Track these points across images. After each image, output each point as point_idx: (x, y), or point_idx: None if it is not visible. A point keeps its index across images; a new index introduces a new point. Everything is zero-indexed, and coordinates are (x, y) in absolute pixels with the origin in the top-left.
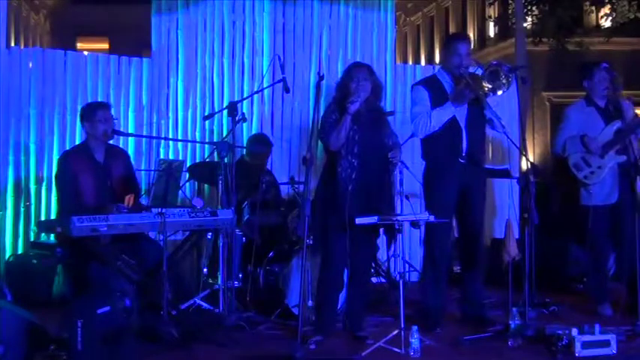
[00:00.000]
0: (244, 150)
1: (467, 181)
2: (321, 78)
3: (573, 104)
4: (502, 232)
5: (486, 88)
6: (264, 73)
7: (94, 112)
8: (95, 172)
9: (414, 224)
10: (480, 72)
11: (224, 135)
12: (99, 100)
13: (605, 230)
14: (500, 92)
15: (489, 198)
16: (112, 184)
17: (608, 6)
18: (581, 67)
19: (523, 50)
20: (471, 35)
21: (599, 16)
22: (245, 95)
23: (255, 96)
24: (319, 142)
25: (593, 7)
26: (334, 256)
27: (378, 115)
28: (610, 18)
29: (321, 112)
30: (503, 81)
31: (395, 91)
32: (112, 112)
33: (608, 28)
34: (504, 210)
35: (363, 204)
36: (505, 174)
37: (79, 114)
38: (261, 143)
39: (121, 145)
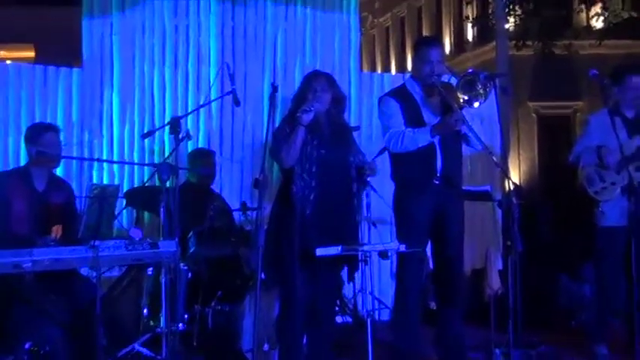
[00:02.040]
0: (187, 171)
1: (442, 204)
2: (275, 89)
3: (597, 111)
4: (483, 262)
5: (461, 100)
6: (211, 83)
7: (41, 135)
8: (31, 201)
9: (383, 255)
10: (454, 81)
11: (166, 155)
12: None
13: (615, 256)
14: (476, 104)
15: (468, 224)
16: (50, 217)
17: (600, 4)
18: (612, 71)
19: (505, 55)
20: (447, 39)
21: (590, 16)
22: (190, 109)
23: (202, 110)
24: (274, 163)
25: (583, 6)
26: (293, 292)
27: (341, 130)
28: (602, 18)
29: None
30: (480, 91)
31: (360, 103)
32: (61, 136)
33: (599, 29)
34: (485, 237)
35: (323, 231)
36: (485, 196)
37: (23, 135)
38: (205, 159)
39: None
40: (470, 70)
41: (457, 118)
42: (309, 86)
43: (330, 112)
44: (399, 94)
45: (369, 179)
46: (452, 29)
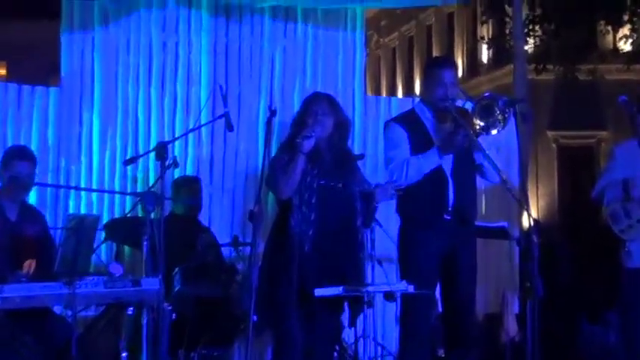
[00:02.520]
0: (172, 202)
1: (454, 242)
2: (272, 113)
3: (623, 142)
4: (498, 305)
5: (477, 127)
6: (201, 106)
7: (13, 162)
8: (1, 232)
9: (389, 296)
10: (469, 106)
11: (150, 184)
12: None
13: None
14: (494, 131)
15: (482, 264)
16: (22, 250)
17: (628, 26)
18: None
19: (523, 79)
20: (460, 60)
21: (617, 38)
22: (177, 134)
23: (191, 135)
24: (270, 193)
25: (609, 27)
26: (288, 336)
27: (344, 159)
28: (630, 40)
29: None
30: (499, 117)
31: (365, 129)
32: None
33: (627, 52)
34: (501, 279)
35: (323, 269)
36: (501, 234)
37: None
38: (190, 188)
39: None
40: (487, 94)
41: (456, 130)
42: (309, 110)
43: (333, 139)
44: (407, 119)
45: (376, 214)
46: (465, 50)
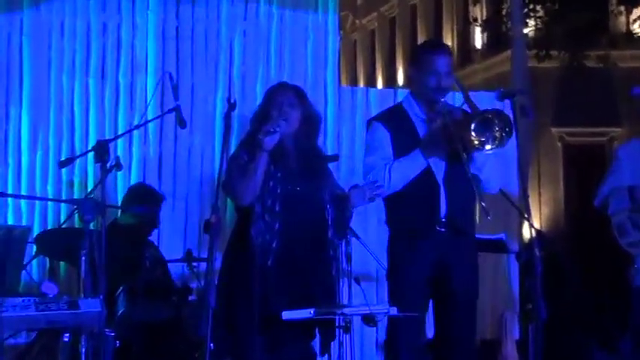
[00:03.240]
0: (120, 211)
1: (447, 256)
2: (231, 106)
3: (627, 142)
4: (495, 330)
5: (474, 141)
6: (148, 99)
7: None
8: None
9: (369, 320)
10: (463, 108)
11: (89, 189)
12: None
13: None
14: (488, 148)
15: (480, 280)
16: None
17: None
18: None
19: (523, 67)
20: (450, 46)
21: (631, 20)
22: (120, 131)
23: (136, 132)
24: (228, 200)
25: (622, 8)
26: None
27: (313, 159)
28: None
29: None
30: (497, 134)
31: (339, 125)
32: None
33: None
34: (498, 299)
35: (289, 288)
36: (499, 246)
37: None
38: (147, 198)
39: None
40: (490, 110)
41: (442, 126)
42: (272, 102)
43: (299, 136)
44: (391, 117)
45: (351, 222)
46: (455, 34)
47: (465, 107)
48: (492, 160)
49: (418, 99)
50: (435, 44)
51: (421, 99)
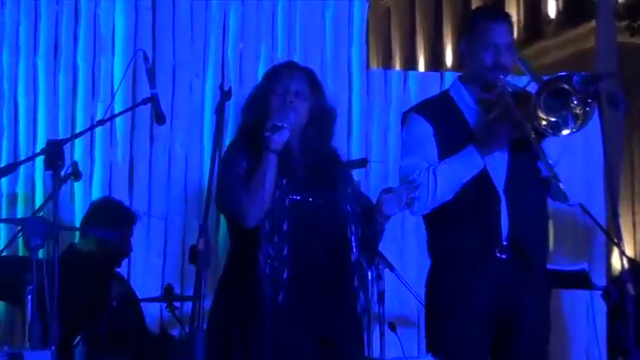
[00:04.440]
0: (78, 234)
1: (510, 293)
2: (225, 95)
3: None
4: None
5: (543, 122)
6: (115, 86)
7: None
8: None
9: None
10: (533, 88)
11: (37, 206)
12: None
13: None
14: (566, 131)
15: (554, 324)
16: None
17: None
18: None
19: (611, 44)
20: (514, 16)
21: None
22: (79, 129)
23: (99, 130)
24: (220, 219)
25: None
26: None
27: (330, 164)
28: None
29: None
30: (577, 110)
31: (368, 120)
32: None
33: None
34: (578, 349)
35: (304, 331)
36: (579, 280)
37: None
38: (114, 218)
39: None
40: (561, 74)
41: (502, 113)
42: (274, 86)
43: (309, 133)
44: (435, 107)
45: (381, 240)
46: (522, 1)
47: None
48: (567, 158)
49: (469, 83)
50: (493, 11)
51: (473, 83)
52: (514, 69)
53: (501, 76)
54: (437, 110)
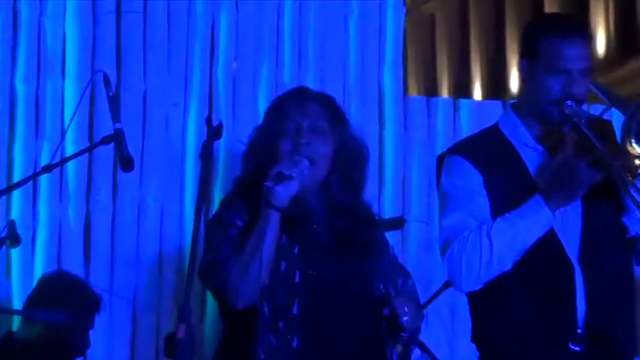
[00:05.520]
0: (20, 319)
1: None
2: (214, 132)
3: None
4: None
5: (636, 160)
6: (66, 120)
7: None
8: None
9: None
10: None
11: None
12: None
13: None
14: None
15: None
16: None
17: None
18: None
19: None
20: (599, 27)
21: None
22: (17, 177)
23: (44, 179)
24: (207, 298)
25: None
26: None
27: (360, 225)
28: None
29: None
30: None
31: (406, 163)
32: None
33: None
34: None
35: None
36: None
37: None
38: (67, 298)
39: None
40: None
41: (577, 152)
42: (284, 122)
43: (332, 185)
44: (484, 148)
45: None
46: (609, 6)
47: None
48: None
49: (527, 115)
50: (566, 23)
51: (532, 115)
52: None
53: (569, 103)
54: (486, 152)
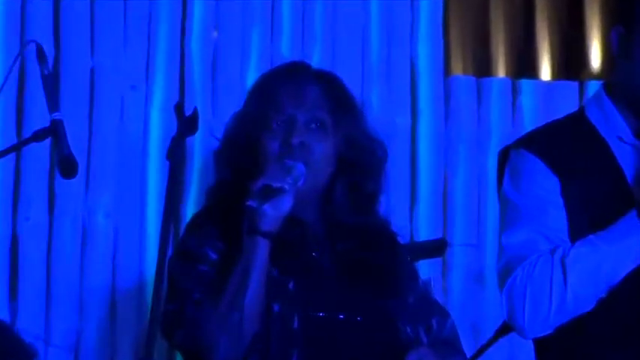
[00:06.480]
0: None
1: None
2: (187, 124)
3: None
4: None
5: None
6: None
7: None
8: None
9: None
10: None
11: None
12: None
13: None
14: None
15: None
16: None
17: None
18: None
19: None
20: None
21: None
22: None
23: None
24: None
25: None
26: None
27: (376, 251)
28: None
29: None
30: None
31: (448, 164)
32: None
33: None
34: None
35: None
36: None
37: None
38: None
39: None
40: None
41: None
42: (269, 112)
43: (337, 197)
44: (564, 143)
45: None
46: None
47: None
48: None
49: (624, 101)
50: None
51: (631, 102)
52: None
53: None
54: (566, 147)
